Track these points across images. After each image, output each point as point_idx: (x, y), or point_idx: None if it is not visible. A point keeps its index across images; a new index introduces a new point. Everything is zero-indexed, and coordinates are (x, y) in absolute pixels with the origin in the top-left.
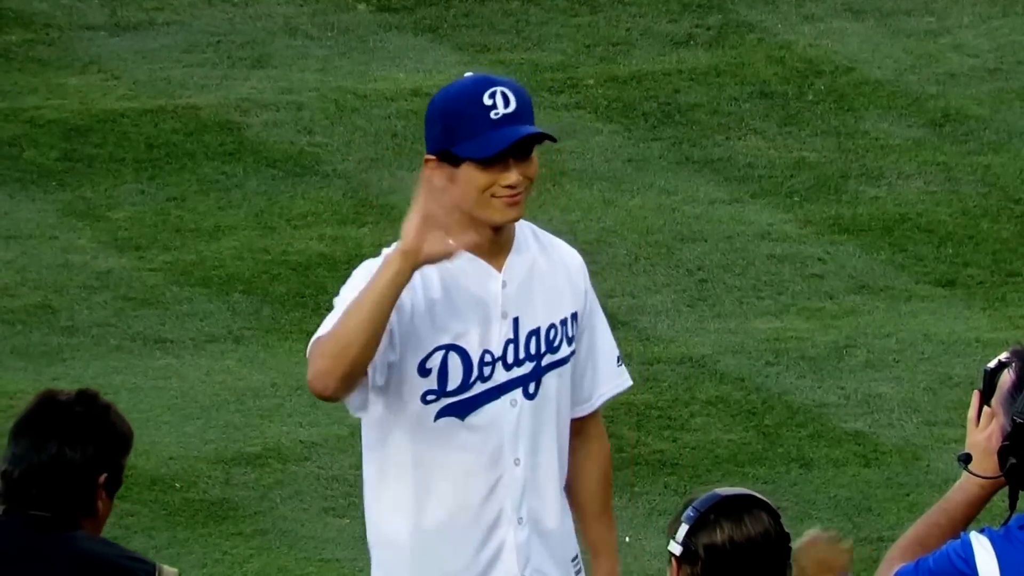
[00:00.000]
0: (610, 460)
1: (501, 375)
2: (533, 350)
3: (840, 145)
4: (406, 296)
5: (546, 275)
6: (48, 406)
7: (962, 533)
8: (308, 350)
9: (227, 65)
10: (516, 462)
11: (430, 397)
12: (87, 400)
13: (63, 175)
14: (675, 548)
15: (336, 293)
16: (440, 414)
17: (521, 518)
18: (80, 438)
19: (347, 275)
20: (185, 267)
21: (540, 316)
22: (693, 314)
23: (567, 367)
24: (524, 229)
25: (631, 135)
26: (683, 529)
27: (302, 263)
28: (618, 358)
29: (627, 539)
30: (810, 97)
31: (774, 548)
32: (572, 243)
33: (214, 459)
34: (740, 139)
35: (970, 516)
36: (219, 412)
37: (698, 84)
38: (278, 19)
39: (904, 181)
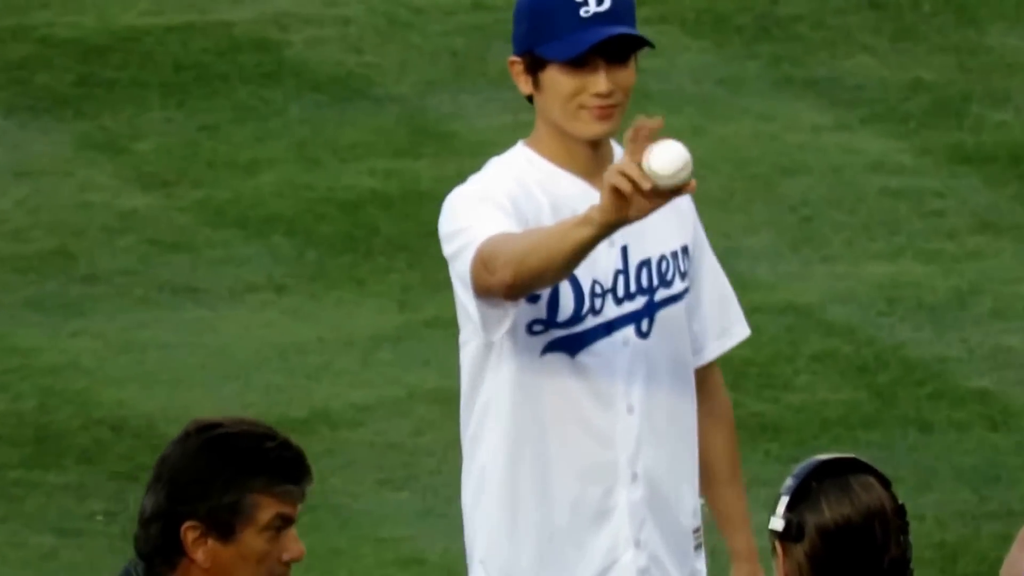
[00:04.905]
0: (733, 418)
1: (612, 310)
2: (645, 283)
3: (961, 63)
4: (510, 207)
5: None
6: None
7: None
8: (478, 254)
9: None
10: (630, 409)
11: (537, 327)
12: (185, 433)
13: (80, 102)
14: (776, 524)
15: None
16: (548, 348)
17: (636, 474)
18: (152, 485)
19: (404, 214)
20: (219, 206)
21: (650, 246)
22: (796, 257)
23: (682, 304)
24: (621, 151)
25: (723, 53)
26: (783, 501)
27: (351, 201)
28: (735, 302)
29: None
30: (927, 8)
31: (889, 520)
32: None
33: None
34: (848, 57)
35: None
36: (260, 372)
37: None
38: None
39: None
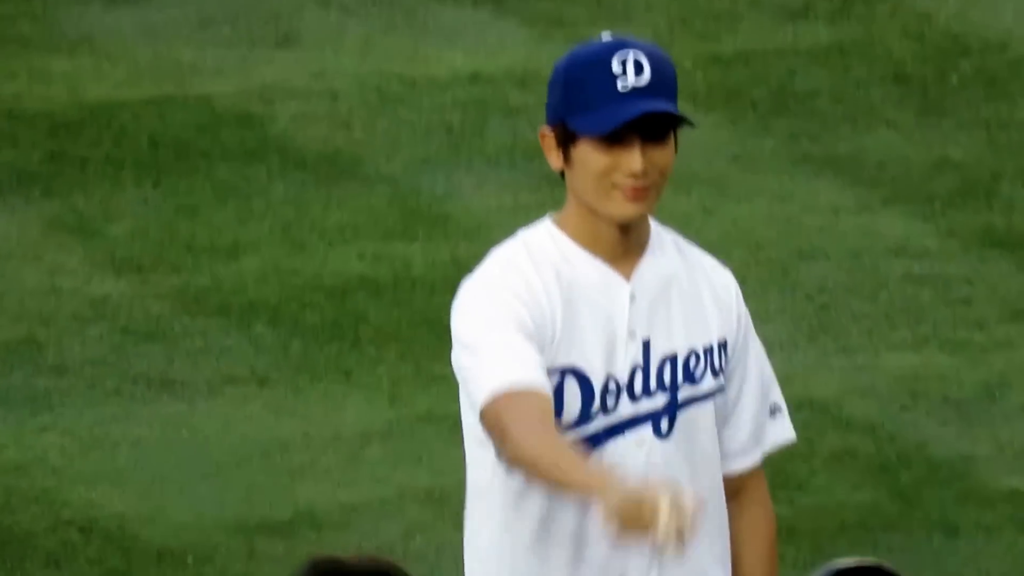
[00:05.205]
0: (775, 530)
1: (626, 407)
2: (667, 380)
3: (991, 140)
4: (527, 315)
5: (687, 291)
6: None
7: None
8: (497, 412)
9: (247, 45)
10: None
11: None
12: (302, 570)
13: (49, 180)
14: None
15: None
16: None
17: None
18: None
19: (395, 302)
20: (197, 293)
21: (678, 340)
22: (813, 348)
23: (710, 404)
24: (661, 234)
25: (737, 128)
26: None
27: (339, 287)
28: (776, 404)
29: None
30: (955, 81)
31: None
32: None
33: (234, 527)
34: (869, 133)
35: None
36: (240, 470)
37: (818, 65)
38: None
39: None
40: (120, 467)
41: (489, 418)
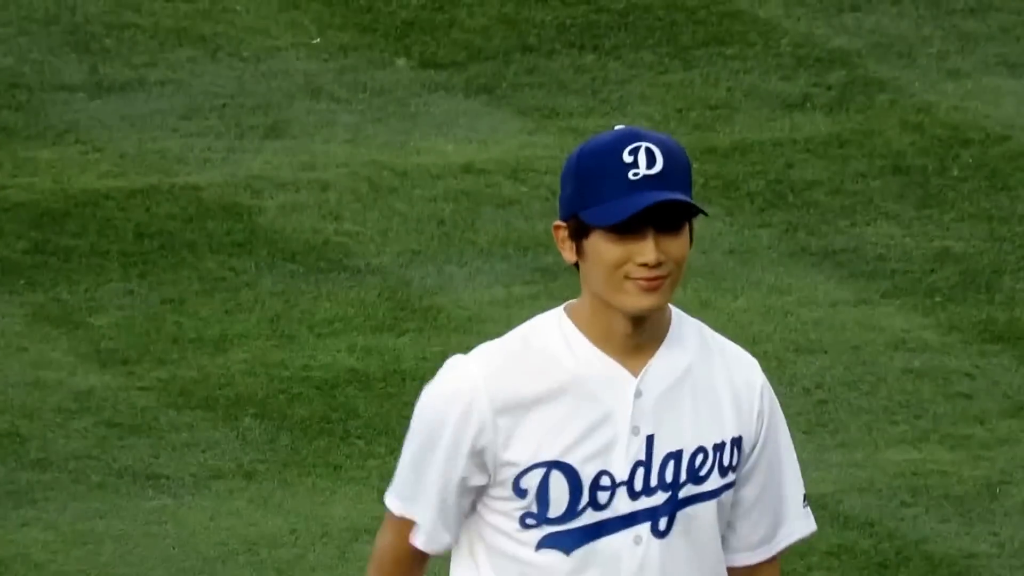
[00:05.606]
0: None
1: (624, 504)
2: (669, 477)
3: (992, 232)
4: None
5: (702, 384)
6: None
7: None
8: (386, 512)
9: (235, 135)
10: None
11: (530, 521)
12: None
13: (33, 272)
14: None
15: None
16: (542, 544)
17: None
18: None
19: (384, 395)
20: (184, 386)
21: (685, 436)
22: (811, 443)
23: (714, 503)
24: (687, 325)
25: (734, 220)
26: None
27: (328, 380)
28: (804, 497)
29: None
30: (955, 172)
31: None
32: None
33: None
34: (868, 225)
35: None
36: (226, 565)
37: (816, 157)
38: (298, 77)
39: None
40: (104, 563)
41: (384, 519)
